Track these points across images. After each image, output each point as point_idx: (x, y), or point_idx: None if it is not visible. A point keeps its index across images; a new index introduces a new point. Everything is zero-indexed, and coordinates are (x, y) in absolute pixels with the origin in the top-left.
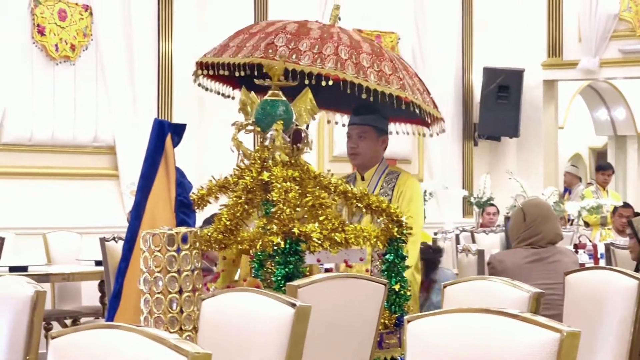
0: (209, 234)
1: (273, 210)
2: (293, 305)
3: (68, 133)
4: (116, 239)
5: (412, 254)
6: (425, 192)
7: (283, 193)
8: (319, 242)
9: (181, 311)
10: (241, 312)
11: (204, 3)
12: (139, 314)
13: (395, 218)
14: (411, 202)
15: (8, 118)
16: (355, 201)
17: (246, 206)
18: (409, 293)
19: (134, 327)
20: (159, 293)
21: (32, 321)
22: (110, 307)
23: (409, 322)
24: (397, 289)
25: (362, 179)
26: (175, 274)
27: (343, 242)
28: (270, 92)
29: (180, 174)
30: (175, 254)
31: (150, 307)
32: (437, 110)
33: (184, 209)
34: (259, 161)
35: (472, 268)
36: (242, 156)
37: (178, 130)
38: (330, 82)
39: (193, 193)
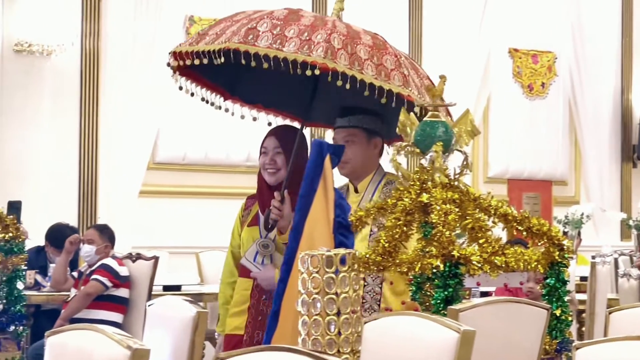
0: (367, 255)
1: (432, 232)
2: (458, 329)
3: (221, 152)
4: None
5: None
6: (582, 214)
7: (442, 215)
8: (479, 265)
9: (339, 333)
10: (404, 335)
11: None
12: (296, 335)
13: (556, 241)
14: None
15: (162, 137)
16: (515, 224)
17: (405, 228)
18: (570, 318)
19: (301, 350)
20: (316, 315)
21: (194, 341)
22: (267, 329)
23: (577, 349)
24: (558, 314)
25: (356, 190)
26: (334, 296)
27: (503, 265)
28: (430, 112)
29: (338, 195)
30: (333, 275)
31: (308, 329)
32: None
33: (343, 231)
34: (418, 183)
35: (634, 293)
36: (401, 177)
37: (337, 151)
38: (317, 72)
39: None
